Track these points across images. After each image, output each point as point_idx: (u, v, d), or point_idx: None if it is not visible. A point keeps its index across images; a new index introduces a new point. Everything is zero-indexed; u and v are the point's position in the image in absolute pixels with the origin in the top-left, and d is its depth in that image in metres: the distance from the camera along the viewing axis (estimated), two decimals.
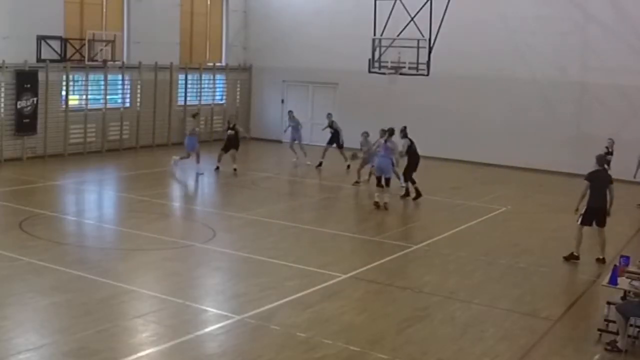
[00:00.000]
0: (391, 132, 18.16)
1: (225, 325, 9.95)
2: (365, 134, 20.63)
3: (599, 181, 13.75)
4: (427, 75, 21.63)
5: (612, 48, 23.54)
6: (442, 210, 18.44)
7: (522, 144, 24.82)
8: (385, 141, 18.04)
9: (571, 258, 13.95)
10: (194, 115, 23.10)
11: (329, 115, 24.50)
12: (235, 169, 21.70)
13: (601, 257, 13.85)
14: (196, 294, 11.38)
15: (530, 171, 24.25)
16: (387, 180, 17.89)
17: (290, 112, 25.91)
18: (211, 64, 29.09)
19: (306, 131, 28.71)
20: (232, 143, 22.09)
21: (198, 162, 21.27)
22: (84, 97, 24.67)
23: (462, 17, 23.82)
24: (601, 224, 13.84)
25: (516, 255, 14.31)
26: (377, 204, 17.81)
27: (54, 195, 18.77)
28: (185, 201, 19.13)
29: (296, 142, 24.65)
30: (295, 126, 25.12)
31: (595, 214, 13.76)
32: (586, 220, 13.83)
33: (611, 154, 20.05)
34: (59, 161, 22.97)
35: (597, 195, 13.68)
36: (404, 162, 19.28)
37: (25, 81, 22.42)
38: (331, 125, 24.06)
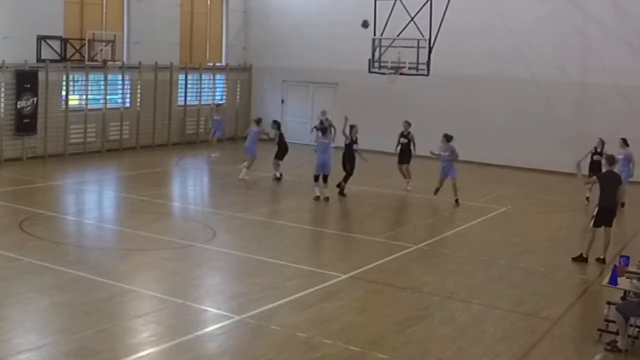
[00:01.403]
0: (323, 130, 19.12)
1: (225, 325, 9.95)
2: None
3: (610, 181, 13.68)
4: (427, 75, 21.63)
5: (612, 48, 23.54)
6: (442, 211, 18.45)
7: (522, 144, 24.83)
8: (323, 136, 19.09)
9: (580, 260, 13.87)
10: (258, 121, 21.68)
11: (323, 112, 23.09)
12: (278, 176, 21.22)
13: (602, 257, 13.82)
14: (196, 294, 11.38)
15: (530, 171, 24.25)
16: (325, 177, 18.61)
17: (218, 105, 25.90)
18: (211, 64, 29.09)
19: (306, 131, 28.75)
20: (280, 149, 21.41)
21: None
22: (84, 97, 24.67)
23: (462, 17, 23.81)
24: (609, 223, 13.80)
25: (516, 255, 14.30)
26: (317, 198, 18.46)
27: (54, 195, 18.77)
28: (185, 201, 19.12)
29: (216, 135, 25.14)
30: (220, 120, 25.34)
31: (607, 214, 13.70)
32: (599, 222, 13.75)
33: (600, 154, 19.82)
34: (59, 161, 22.98)
35: (608, 196, 13.62)
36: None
37: (25, 81, 22.42)
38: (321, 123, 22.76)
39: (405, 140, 20.55)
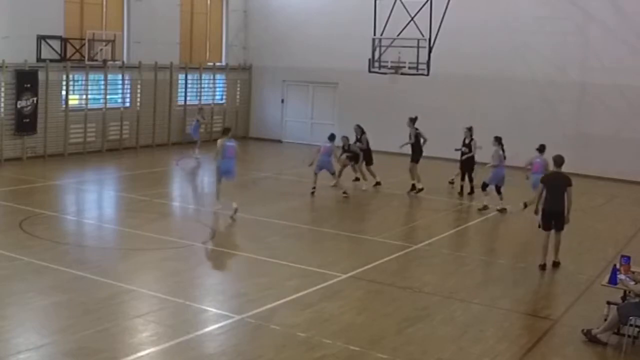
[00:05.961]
0: (225, 130, 17.08)
1: (225, 325, 9.95)
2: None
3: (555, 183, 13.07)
4: (427, 75, 21.62)
5: (612, 48, 23.54)
6: (442, 210, 18.45)
7: (522, 144, 24.75)
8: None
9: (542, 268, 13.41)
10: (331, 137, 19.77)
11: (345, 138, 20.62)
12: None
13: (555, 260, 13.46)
14: (196, 293, 11.38)
15: (530, 171, 24.19)
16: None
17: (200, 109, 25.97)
18: (211, 63, 29.10)
19: (306, 131, 28.80)
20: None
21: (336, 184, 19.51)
22: (84, 97, 24.67)
23: (462, 17, 23.81)
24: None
25: (516, 255, 14.30)
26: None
27: (54, 195, 18.77)
28: (185, 201, 19.12)
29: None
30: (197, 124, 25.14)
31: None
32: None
33: (467, 145, 19.69)
34: (59, 161, 22.98)
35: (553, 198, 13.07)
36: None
37: (25, 81, 22.42)
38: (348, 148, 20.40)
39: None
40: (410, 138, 20.08)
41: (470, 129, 19.92)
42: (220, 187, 16.75)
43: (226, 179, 16.64)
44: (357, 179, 20.70)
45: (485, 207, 17.94)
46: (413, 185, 19.92)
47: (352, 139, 20.51)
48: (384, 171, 21.87)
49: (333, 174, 19.27)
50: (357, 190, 20.12)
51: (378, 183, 20.61)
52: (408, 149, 20.23)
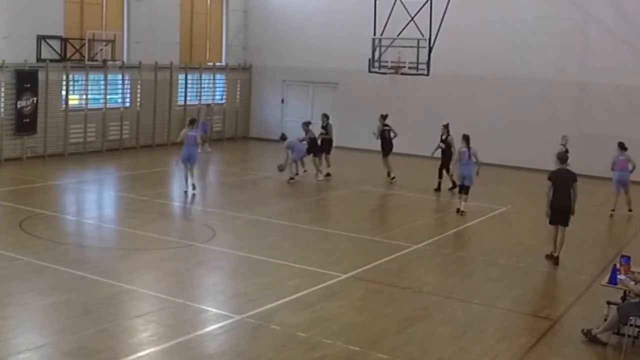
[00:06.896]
0: (191, 121, 19.15)
1: (225, 325, 9.95)
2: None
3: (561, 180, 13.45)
4: (427, 75, 21.64)
5: (612, 48, 23.55)
6: (442, 210, 18.43)
7: (522, 144, 24.82)
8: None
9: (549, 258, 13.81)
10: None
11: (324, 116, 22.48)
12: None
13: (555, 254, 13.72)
14: (196, 293, 11.38)
15: (530, 171, 24.22)
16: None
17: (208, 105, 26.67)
18: (211, 63, 29.10)
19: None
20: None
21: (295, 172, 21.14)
22: (84, 97, 24.67)
23: (462, 17, 23.82)
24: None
25: (516, 255, 14.30)
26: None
27: (54, 195, 18.77)
28: (185, 201, 19.11)
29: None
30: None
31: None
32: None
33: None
34: (59, 161, 22.98)
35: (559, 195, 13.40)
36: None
37: (25, 81, 22.42)
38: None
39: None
40: (377, 134, 21.31)
41: (446, 126, 20.62)
42: (186, 172, 18.52)
43: (190, 164, 18.55)
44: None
45: (462, 212, 17.60)
46: (388, 173, 21.21)
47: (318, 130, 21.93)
48: (383, 171, 21.87)
49: (294, 162, 20.77)
50: (357, 191, 20.11)
51: (329, 174, 21.50)
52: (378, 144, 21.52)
